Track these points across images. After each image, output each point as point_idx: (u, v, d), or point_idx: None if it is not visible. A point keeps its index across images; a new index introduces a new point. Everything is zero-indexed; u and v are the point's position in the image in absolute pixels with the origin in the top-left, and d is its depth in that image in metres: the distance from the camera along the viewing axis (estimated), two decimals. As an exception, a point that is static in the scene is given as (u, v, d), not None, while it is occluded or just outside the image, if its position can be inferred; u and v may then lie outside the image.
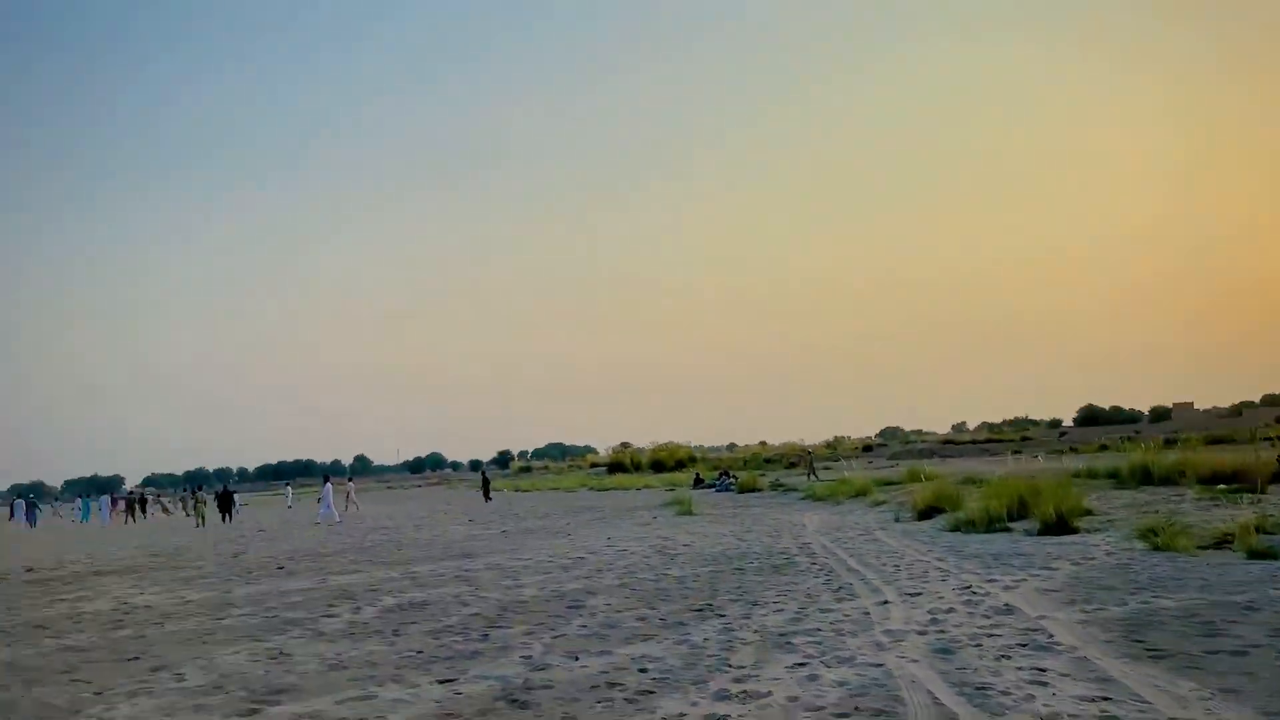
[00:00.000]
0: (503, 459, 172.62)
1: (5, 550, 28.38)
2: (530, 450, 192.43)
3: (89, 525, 46.97)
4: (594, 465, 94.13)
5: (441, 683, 7.32)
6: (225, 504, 40.44)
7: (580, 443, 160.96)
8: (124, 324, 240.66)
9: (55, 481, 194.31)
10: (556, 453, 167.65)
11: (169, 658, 8.94)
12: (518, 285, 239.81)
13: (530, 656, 8.09)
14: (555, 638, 8.89)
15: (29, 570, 19.76)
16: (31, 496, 53.11)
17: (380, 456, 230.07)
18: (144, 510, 50.12)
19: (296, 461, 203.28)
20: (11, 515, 48.27)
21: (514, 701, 6.64)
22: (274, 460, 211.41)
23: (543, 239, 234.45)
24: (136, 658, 9.03)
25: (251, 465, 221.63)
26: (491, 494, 48.90)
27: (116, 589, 14.97)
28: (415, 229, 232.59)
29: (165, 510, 54.84)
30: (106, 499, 48.53)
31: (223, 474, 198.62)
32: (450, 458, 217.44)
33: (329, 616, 10.99)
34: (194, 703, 7.08)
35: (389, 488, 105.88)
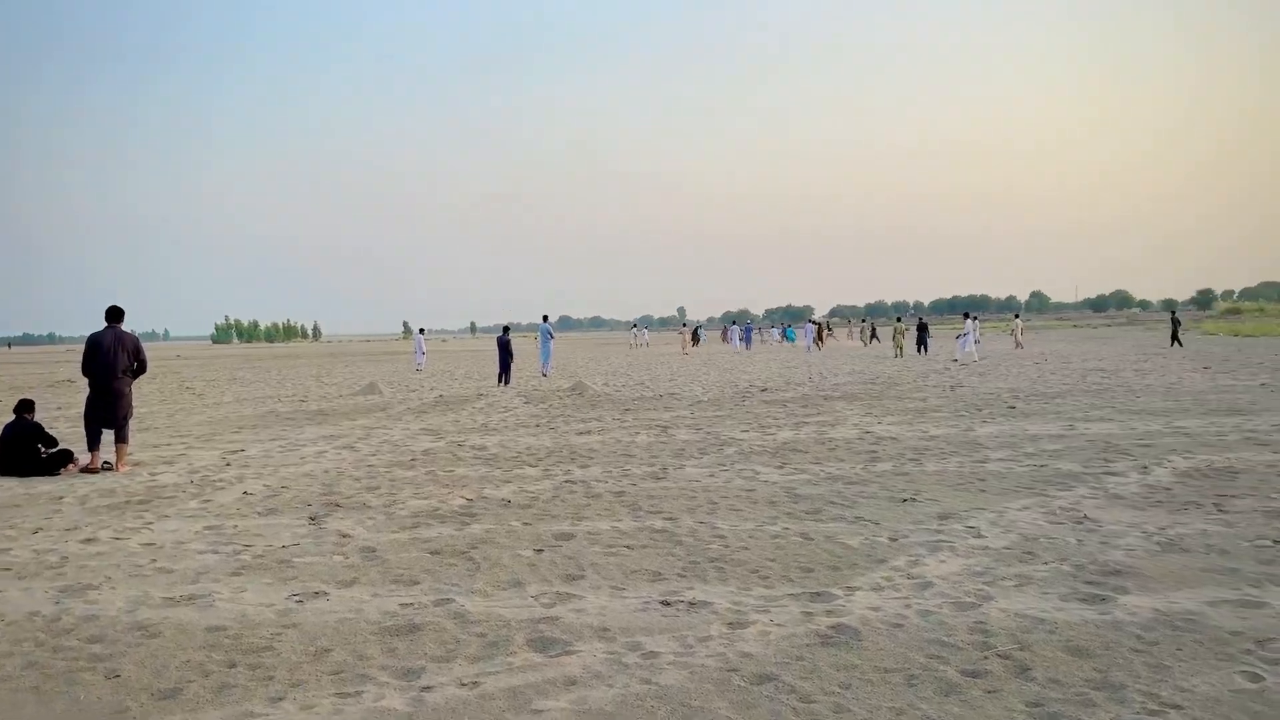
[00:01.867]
0: (1204, 299, 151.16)
1: (734, 370, 31.77)
2: (1237, 291, 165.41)
3: (793, 348, 52.57)
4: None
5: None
6: (922, 335, 40.82)
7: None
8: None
9: (758, 310, 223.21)
10: (1275, 293, 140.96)
11: (948, 504, 8.01)
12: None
13: None
14: None
15: (764, 390, 21.32)
16: (749, 323, 60.57)
17: (1058, 294, 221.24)
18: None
19: (970, 297, 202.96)
20: (725, 338, 55.53)
21: None
22: (948, 296, 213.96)
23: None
24: (912, 499, 8.28)
25: (928, 300, 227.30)
26: (1180, 338, 41.97)
27: (853, 416, 15.00)
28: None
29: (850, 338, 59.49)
30: (811, 326, 52.49)
31: (900, 308, 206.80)
32: (1138, 296, 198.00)
33: (1111, 475, 9.21)
34: (1013, 570, 5.88)
35: (1074, 326, 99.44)
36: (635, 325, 71.16)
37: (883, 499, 8.30)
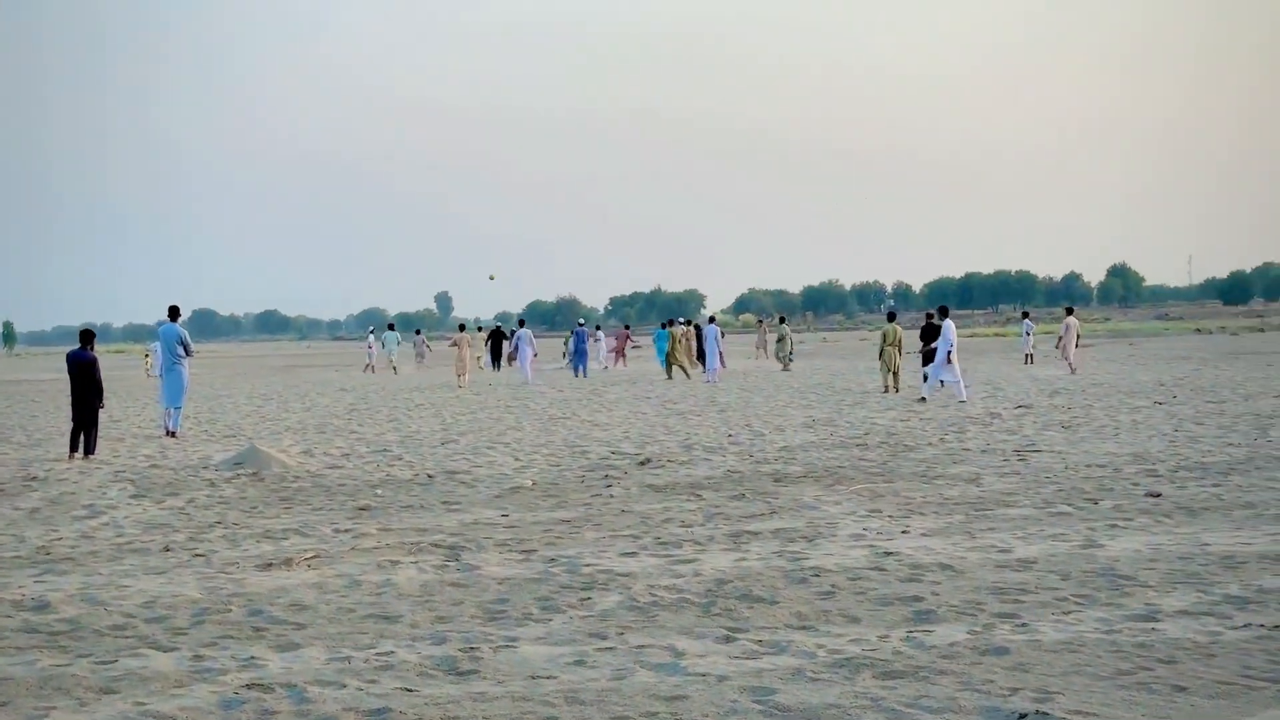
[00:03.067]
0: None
1: (572, 419, 26.05)
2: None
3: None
4: None
5: None
6: (933, 345, 32.89)
7: None
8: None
9: (595, 301, 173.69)
10: None
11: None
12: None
13: None
14: None
15: (645, 462, 16.02)
16: (581, 325, 43.23)
17: (1158, 273, 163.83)
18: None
19: (996, 275, 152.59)
20: (512, 356, 32.87)
21: None
22: (957, 274, 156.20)
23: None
24: (1040, 715, 3.34)
25: (918, 282, 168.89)
26: None
27: (845, 517, 9.63)
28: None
29: None
30: (712, 328, 29.06)
31: (866, 295, 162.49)
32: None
33: None
34: None
35: (1197, 330, 68.61)
36: (375, 330, 40.38)
37: (972, 714, 3.93)
